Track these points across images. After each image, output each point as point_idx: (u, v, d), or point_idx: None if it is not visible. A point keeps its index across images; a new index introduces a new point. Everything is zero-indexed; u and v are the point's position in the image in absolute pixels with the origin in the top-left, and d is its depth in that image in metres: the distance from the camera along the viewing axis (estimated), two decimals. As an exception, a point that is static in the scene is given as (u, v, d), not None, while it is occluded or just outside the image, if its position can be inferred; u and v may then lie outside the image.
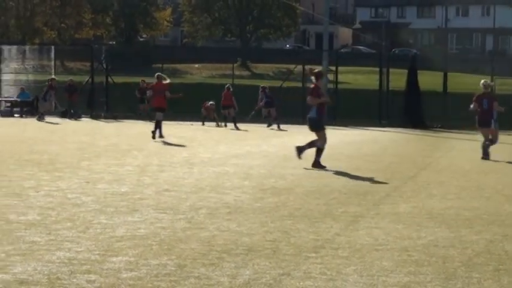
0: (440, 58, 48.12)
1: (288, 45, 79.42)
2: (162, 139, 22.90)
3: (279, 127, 32.17)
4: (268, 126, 32.72)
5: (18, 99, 39.08)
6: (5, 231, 7.84)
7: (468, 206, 10.71)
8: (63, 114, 37.03)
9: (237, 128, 27.20)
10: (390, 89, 39.75)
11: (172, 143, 21.80)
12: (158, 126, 23.32)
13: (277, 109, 33.99)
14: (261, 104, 34.38)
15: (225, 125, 31.71)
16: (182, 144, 21.42)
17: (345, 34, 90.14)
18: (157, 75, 24.42)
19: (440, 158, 19.81)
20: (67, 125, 31.05)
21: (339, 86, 42.16)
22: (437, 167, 16.85)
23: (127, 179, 12.60)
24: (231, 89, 33.45)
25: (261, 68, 67.15)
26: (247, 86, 47.13)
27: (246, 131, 29.85)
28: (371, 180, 13.74)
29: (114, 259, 6.78)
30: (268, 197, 11.05)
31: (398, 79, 39.86)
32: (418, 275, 6.63)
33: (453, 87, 39.97)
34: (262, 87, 35.19)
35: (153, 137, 22.80)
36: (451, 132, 33.53)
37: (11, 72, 44.97)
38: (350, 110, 39.45)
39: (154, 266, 6.60)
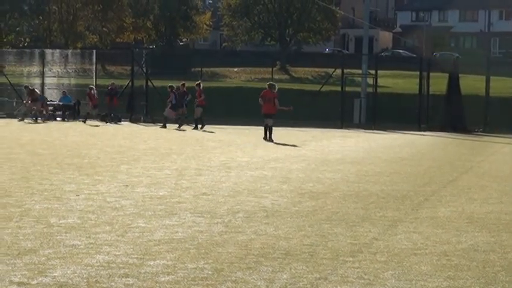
0: (482, 62, 47.64)
1: (327, 49, 79.19)
2: (272, 142, 24.17)
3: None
4: None
5: (61, 103, 39.50)
6: (46, 234, 7.92)
7: (509, 211, 10.58)
8: (103, 118, 37.33)
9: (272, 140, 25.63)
10: (430, 93, 39.42)
11: (212, 146, 21.87)
12: (269, 131, 25.25)
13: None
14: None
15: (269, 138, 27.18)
16: (221, 147, 21.48)
17: (385, 38, 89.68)
18: (269, 84, 26.69)
19: (482, 162, 19.60)
20: (107, 128, 31.30)
21: (379, 89, 41.93)
22: (478, 171, 16.67)
23: (165, 183, 12.66)
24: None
25: (300, 71, 67.03)
26: (287, 90, 47.13)
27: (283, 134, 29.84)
28: (409, 184, 13.64)
29: (152, 263, 6.81)
30: (306, 201, 11.03)
31: (438, 83, 39.53)
32: (457, 279, 6.56)
33: (495, 91, 39.54)
34: None
35: (268, 139, 24.77)
36: (493, 136, 33.14)
37: (54, 76, 45.45)
38: (389, 114, 39.22)
39: (191, 269, 6.62)
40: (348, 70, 43.50)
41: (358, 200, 11.29)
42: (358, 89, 43.93)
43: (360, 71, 44.50)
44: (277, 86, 27.03)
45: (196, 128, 31.29)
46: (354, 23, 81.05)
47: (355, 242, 8.07)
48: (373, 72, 41.52)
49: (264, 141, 25.03)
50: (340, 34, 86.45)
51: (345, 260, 7.22)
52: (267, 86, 26.70)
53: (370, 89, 42.56)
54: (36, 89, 36.99)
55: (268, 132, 25.27)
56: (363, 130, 35.89)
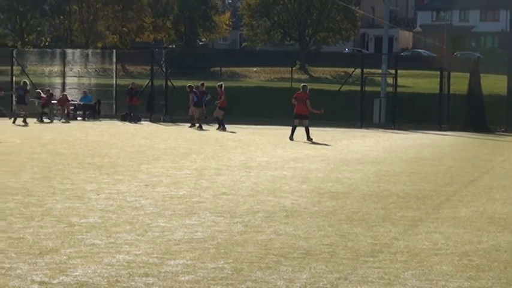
0: (503, 62, 47.33)
1: (346, 49, 79.02)
2: (310, 142, 24.56)
3: None
4: None
5: (81, 103, 39.67)
6: (67, 233, 7.96)
7: (530, 212, 10.51)
8: (124, 118, 37.44)
9: (311, 140, 25.43)
10: (451, 92, 39.23)
11: (232, 146, 21.89)
12: (306, 131, 25.48)
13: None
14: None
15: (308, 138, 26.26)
16: (241, 147, 21.49)
17: (405, 37, 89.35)
18: (302, 85, 26.85)
19: (503, 162, 19.47)
20: (127, 128, 31.39)
21: (398, 89, 41.79)
22: (500, 171, 16.56)
23: (185, 182, 12.68)
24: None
25: (319, 71, 66.93)
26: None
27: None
28: (430, 184, 13.58)
29: (172, 262, 6.83)
30: (326, 201, 11.01)
31: (459, 82, 39.33)
32: (478, 280, 6.53)
33: (518, 90, 39.25)
34: None
35: (307, 139, 25.07)
36: (515, 136, 32.93)
37: (75, 76, 45.64)
38: (409, 113, 39.10)
39: (211, 269, 6.62)
40: (368, 70, 43.37)
41: (378, 200, 11.25)
42: (378, 89, 43.80)
43: (379, 71, 44.38)
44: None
45: (221, 128, 31.22)
46: (374, 23, 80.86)
47: (375, 242, 8.04)
48: (393, 71, 41.39)
49: (289, 141, 25.01)
50: (360, 34, 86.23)
51: (365, 260, 7.20)
52: (300, 88, 26.97)
53: (390, 89, 42.43)
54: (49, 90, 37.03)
55: (306, 133, 25.61)
56: (383, 130, 35.77)
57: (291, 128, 26.13)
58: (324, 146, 23.06)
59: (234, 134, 28.79)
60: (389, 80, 42.92)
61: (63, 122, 33.89)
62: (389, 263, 7.08)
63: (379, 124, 39.81)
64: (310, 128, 25.79)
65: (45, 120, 34.02)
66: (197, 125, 32.45)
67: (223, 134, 28.85)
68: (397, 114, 38.37)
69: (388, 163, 17.59)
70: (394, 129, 35.84)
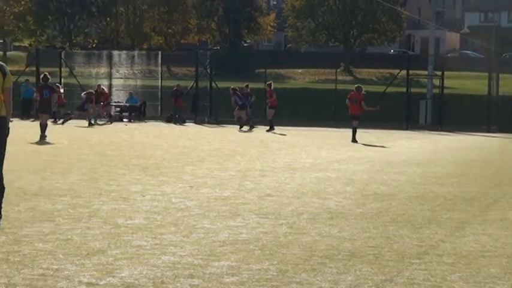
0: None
1: (392, 50, 78.54)
2: (356, 143, 24.59)
3: None
4: None
5: (127, 104, 40.00)
6: (113, 235, 8.02)
7: None
8: (169, 119, 37.69)
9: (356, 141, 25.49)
10: (500, 94, 38.78)
11: (276, 147, 21.89)
12: (353, 132, 25.72)
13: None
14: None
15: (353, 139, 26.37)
16: (285, 148, 21.48)
17: (452, 39, 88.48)
18: (356, 86, 27.06)
19: (551, 164, 19.18)
20: (172, 129, 31.59)
21: (445, 91, 41.46)
22: (548, 174, 16.31)
23: (229, 184, 12.71)
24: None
25: (364, 73, 66.66)
26: (350, 91, 46.86)
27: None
28: (478, 186, 13.43)
29: (217, 264, 6.84)
30: (371, 203, 10.95)
31: (508, 84, 38.89)
32: (526, 284, 6.43)
33: None
34: None
35: (352, 140, 25.27)
36: None
37: (121, 77, 46.07)
38: (456, 115, 38.76)
39: (256, 271, 6.63)
40: (413, 71, 43.10)
41: (424, 202, 11.16)
42: (424, 90, 43.49)
43: (425, 72, 44.05)
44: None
45: (271, 129, 31.20)
46: (420, 24, 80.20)
47: (421, 244, 7.98)
48: (439, 73, 41.05)
49: (327, 142, 24.94)
50: (405, 35, 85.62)
51: (411, 262, 7.14)
52: (354, 88, 27.04)
53: (436, 91, 42.09)
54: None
55: (352, 133, 25.82)
56: (429, 132, 35.50)
57: (333, 129, 26.03)
58: (368, 148, 22.95)
59: (278, 135, 28.80)
60: (436, 82, 42.56)
61: (100, 124, 33.86)
62: (435, 265, 7.02)
63: (425, 126, 39.55)
64: (349, 130, 25.79)
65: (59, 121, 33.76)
66: (246, 127, 32.51)
67: (268, 135, 28.89)
68: (444, 116, 38.05)
69: (435, 165, 17.44)
70: (441, 131, 35.54)
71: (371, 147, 23.45)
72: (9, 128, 8.78)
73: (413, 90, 41.61)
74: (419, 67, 46.19)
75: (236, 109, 33.52)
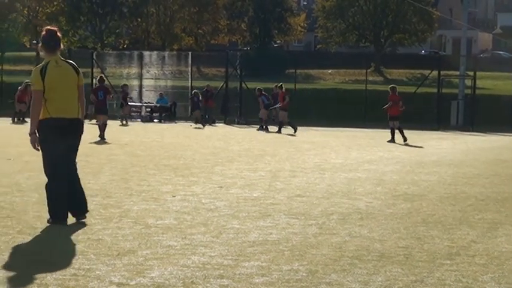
0: None
1: (423, 51, 78.04)
2: (406, 142, 24.81)
3: None
4: None
5: (157, 105, 40.16)
6: (144, 235, 8.06)
7: None
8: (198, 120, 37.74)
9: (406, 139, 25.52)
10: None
11: (306, 148, 21.86)
12: (401, 132, 25.71)
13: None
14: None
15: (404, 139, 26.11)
16: (315, 149, 21.45)
17: (484, 39, 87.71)
18: (392, 87, 27.36)
19: None
20: (202, 130, 31.67)
21: (477, 91, 41.14)
22: None
23: (259, 184, 12.71)
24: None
25: (394, 73, 66.29)
26: (381, 92, 46.68)
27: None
28: (510, 186, 13.31)
29: (247, 264, 6.85)
30: (401, 203, 10.90)
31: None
32: (559, 286, 6.36)
33: None
34: None
35: (404, 141, 25.21)
36: None
37: (151, 78, 46.25)
38: (488, 116, 38.44)
39: (286, 271, 6.62)
40: (445, 72, 42.80)
41: (455, 203, 11.09)
42: (456, 91, 43.16)
43: (457, 73, 43.73)
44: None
45: (279, 131, 31.08)
46: (452, 24, 79.60)
47: (452, 245, 7.92)
48: (471, 73, 40.74)
49: (358, 143, 24.84)
50: (437, 35, 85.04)
51: (441, 262, 7.09)
52: (389, 89, 27.29)
53: (468, 91, 41.77)
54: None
55: (400, 134, 25.71)
56: (460, 132, 35.25)
57: (363, 129, 25.97)
58: (399, 148, 22.84)
59: (308, 135, 28.74)
60: (468, 82, 42.24)
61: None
62: (467, 266, 6.97)
63: (456, 126, 39.26)
64: (379, 130, 25.73)
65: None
66: (265, 126, 32.60)
67: (297, 136, 28.84)
68: (476, 117, 37.75)
69: (466, 165, 17.32)
70: (472, 131, 35.27)
71: (401, 147, 23.33)
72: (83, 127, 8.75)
73: (444, 90, 41.32)
74: (450, 67, 45.85)
75: (262, 108, 33.63)
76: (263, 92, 34.64)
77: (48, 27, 8.72)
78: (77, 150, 8.72)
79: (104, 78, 25.70)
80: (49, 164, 8.47)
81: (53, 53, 8.48)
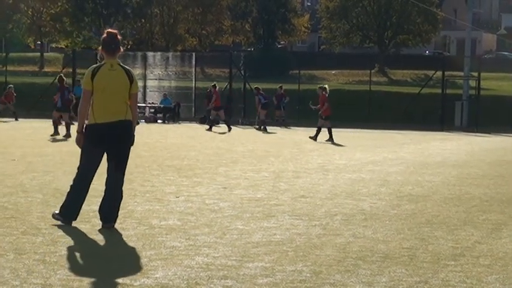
0: None
1: (427, 51, 77.95)
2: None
3: None
4: None
5: (161, 106, 40.19)
6: (148, 236, 8.06)
7: None
8: (202, 120, 37.77)
9: None
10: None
11: (309, 149, 21.86)
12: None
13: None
14: None
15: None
16: (318, 150, 21.44)
17: (488, 40, 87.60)
18: (322, 87, 27.34)
19: None
20: (205, 131, 31.67)
21: (482, 92, 41.10)
22: None
23: (263, 185, 12.71)
24: None
25: (398, 74, 66.24)
26: (385, 93, 46.67)
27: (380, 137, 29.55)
28: (514, 188, 13.28)
29: (250, 265, 6.85)
30: (405, 204, 10.88)
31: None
32: None
33: None
34: None
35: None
36: None
37: (155, 79, 46.28)
38: (493, 116, 38.41)
39: (290, 272, 6.62)
40: (449, 72, 42.77)
41: (459, 204, 11.07)
42: (460, 92, 43.13)
43: (461, 74, 43.69)
44: None
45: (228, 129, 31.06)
46: (456, 25, 79.51)
47: (456, 246, 7.91)
48: (475, 74, 40.71)
49: (361, 143, 24.82)
50: (441, 36, 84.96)
51: (446, 263, 7.08)
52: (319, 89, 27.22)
53: (472, 92, 41.74)
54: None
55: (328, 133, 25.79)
56: (465, 133, 35.21)
57: (367, 130, 25.92)
58: (403, 149, 22.81)
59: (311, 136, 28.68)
60: (472, 83, 42.19)
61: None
62: (471, 267, 6.96)
63: (460, 127, 39.24)
64: (383, 131, 25.68)
65: None
66: (263, 127, 32.71)
67: (301, 136, 28.82)
68: (480, 117, 37.72)
69: (470, 166, 17.30)
70: (477, 132, 35.23)
71: (405, 148, 23.31)
72: (134, 135, 8.59)
73: (448, 91, 41.28)
74: (455, 68, 45.81)
75: (259, 108, 33.73)
76: (260, 91, 34.70)
77: (109, 30, 8.65)
78: (124, 157, 8.46)
79: None
80: (83, 165, 8.47)
81: (112, 56, 8.42)
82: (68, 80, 41.43)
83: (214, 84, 34.44)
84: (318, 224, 9.06)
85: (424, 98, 41.25)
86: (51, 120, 24.72)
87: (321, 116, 25.97)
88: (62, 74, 26.88)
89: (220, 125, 36.63)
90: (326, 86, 27.53)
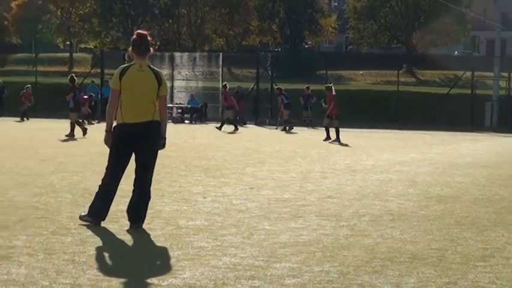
0: None
1: (456, 52, 77.43)
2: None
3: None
4: None
5: (188, 106, 40.28)
6: (175, 236, 8.08)
7: None
8: (228, 122, 37.76)
9: None
10: None
11: (337, 149, 21.80)
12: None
13: None
14: None
15: None
16: (346, 150, 21.37)
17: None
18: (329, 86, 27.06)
19: None
20: (232, 132, 31.68)
21: None
22: None
23: (290, 186, 12.69)
24: None
25: (427, 74, 65.88)
26: (413, 93, 46.42)
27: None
28: (544, 189, 13.15)
29: (278, 265, 6.83)
30: (434, 205, 10.81)
31: None
32: None
33: None
34: None
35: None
36: None
37: (182, 79, 46.38)
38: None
39: (317, 272, 6.60)
40: (479, 73, 42.47)
41: (489, 204, 10.98)
42: (489, 92, 42.80)
43: (491, 74, 43.36)
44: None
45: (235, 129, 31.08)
46: (485, 25, 78.91)
47: (486, 247, 7.85)
48: (505, 74, 40.40)
49: (389, 144, 24.70)
50: (470, 36, 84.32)
51: (475, 264, 7.03)
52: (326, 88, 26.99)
53: (502, 92, 41.41)
54: None
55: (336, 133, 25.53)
56: (495, 134, 34.93)
57: (395, 131, 25.78)
58: (432, 150, 22.67)
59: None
60: (502, 84, 41.85)
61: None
62: (501, 268, 6.89)
63: (490, 128, 38.94)
64: (411, 132, 25.52)
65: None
66: (288, 127, 32.72)
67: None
68: (510, 118, 37.40)
69: (501, 167, 17.15)
70: (507, 133, 34.92)
71: (434, 149, 23.16)
72: (165, 138, 8.59)
73: (478, 92, 40.99)
74: (484, 69, 45.48)
75: (282, 108, 33.75)
76: (283, 92, 34.70)
77: (139, 31, 8.65)
78: (152, 157, 8.45)
79: None
80: (111, 165, 8.49)
81: (142, 57, 8.42)
82: (96, 81, 41.82)
83: (225, 84, 34.57)
84: (346, 224, 9.03)
85: (453, 99, 40.97)
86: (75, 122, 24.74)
87: (328, 116, 25.85)
88: (73, 74, 27.03)
89: (246, 125, 36.63)
90: (332, 84, 27.37)
